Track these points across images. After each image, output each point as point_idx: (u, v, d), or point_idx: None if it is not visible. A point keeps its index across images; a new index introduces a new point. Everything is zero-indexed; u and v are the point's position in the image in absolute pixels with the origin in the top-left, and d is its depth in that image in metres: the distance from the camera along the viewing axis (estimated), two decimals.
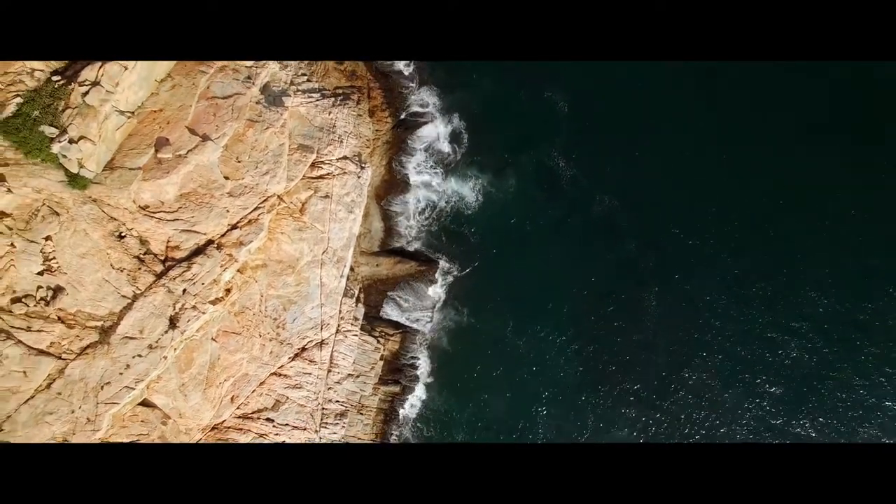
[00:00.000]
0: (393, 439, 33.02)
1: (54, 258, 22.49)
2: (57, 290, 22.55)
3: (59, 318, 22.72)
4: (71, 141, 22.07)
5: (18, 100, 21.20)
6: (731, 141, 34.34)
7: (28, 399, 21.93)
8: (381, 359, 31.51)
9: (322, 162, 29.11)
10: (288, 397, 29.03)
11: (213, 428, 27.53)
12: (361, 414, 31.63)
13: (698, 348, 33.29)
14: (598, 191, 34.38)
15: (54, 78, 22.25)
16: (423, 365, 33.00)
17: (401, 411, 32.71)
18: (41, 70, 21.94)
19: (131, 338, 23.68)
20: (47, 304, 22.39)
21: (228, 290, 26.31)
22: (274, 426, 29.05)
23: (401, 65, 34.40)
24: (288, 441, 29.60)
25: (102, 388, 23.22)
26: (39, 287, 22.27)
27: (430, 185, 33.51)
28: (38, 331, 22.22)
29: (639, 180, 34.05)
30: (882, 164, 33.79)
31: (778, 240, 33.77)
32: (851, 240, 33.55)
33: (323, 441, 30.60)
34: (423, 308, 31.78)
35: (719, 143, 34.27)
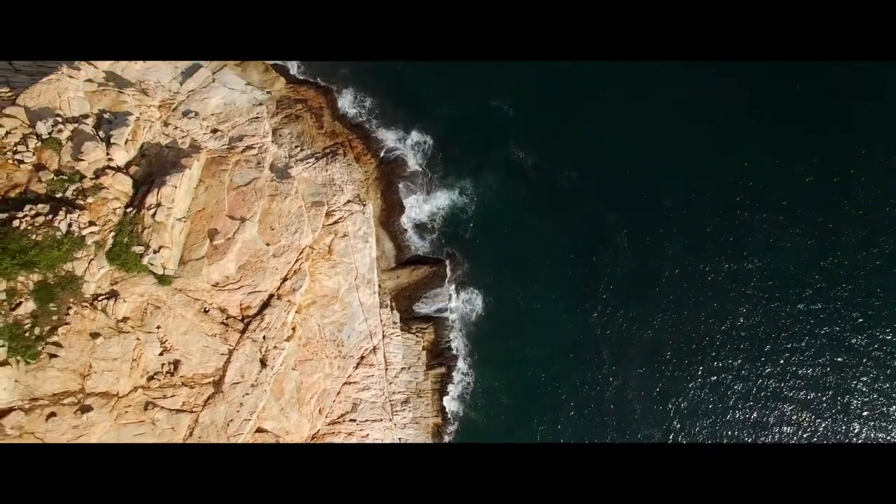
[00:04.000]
0: (450, 414, 40.04)
1: (167, 340, 29.74)
2: (176, 363, 29.81)
3: (183, 382, 29.97)
4: (154, 252, 29.33)
5: (112, 234, 28.47)
6: (662, 115, 42.11)
7: None
8: (423, 349, 38.68)
9: (333, 210, 36.40)
10: (361, 399, 36.25)
11: (313, 437, 34.76)
12: (421, 398, 38.74)
13: (661, 281, 40.71)
14: (558, 169, 41.75)
15: (128, 210, 29.51)
16: (458, 345, 40.07)
17: (451, 388, 39.79)
18: (118, 207, 29.21)
19: (237, 382, 30.93)
20: (172, 374, 29.63)
21: (294, 328, 33.53)
22: (357, 424, 36.25)
23: (366, 114, 41.65)
24: (372, 433, 36.76)
25: (228, 425, 30.44)
26: (163, 364, 29.51)
27: (420, 201, 40.70)
28: (172, 396, 29.47)
29: (587, 154, 41.49)
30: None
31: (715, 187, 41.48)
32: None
33: (396, 428, 37.75)
34: (444, 299, 39.05)
35: (651, 118, 41.97)
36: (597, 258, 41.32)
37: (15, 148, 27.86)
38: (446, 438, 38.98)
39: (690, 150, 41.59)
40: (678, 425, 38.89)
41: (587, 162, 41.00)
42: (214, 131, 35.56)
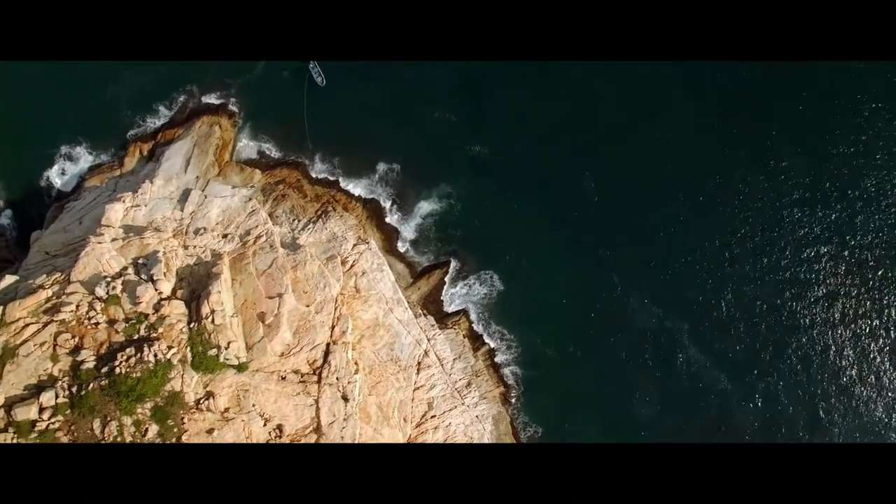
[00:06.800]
0: (509, 379, 45.40)
1: (264, 413, 35.53)
2: (279, 427, 35.63)
3: (291, 440, 35.80)
4: (225, 349, 35.14)
5: (188, 348, 34.31)
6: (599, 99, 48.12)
7: None
8: (464, 337, 44.49)
9: (346, 258, 42.26)
10: (433, 396, 42.06)
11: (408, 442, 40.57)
12: (479, 376, 44.52)
13: (631, 218, 46.72)
14: (514, 150, 47.75)
15: (191, 326, 35.32)
16: (492, 323, 45.75)
17: (501, 358, 45.40)
18: (183, 326, 35.03)
19: (332, 422, 36.74)
20: (279, 437, 35.44)
21: (357, 363, 39.34)
22: (437, 419, 42.05)
23: (336, 170, 47.33)
24: (452, 421, 42.41)
25: None
26: (270, 432, 35.32)
27: (409, 221, 46.48)
28: None
29: (534, 131, 47.49)
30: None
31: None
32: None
33: (470, 408, 43.41)
34: (464, 290, 44.88)
35: (591, 101, 48.08)
36: (576, 208, 47.36)
37: (88, 315, 33.69)
38: (514, 401, 44.60)
39: (623, 115, 47.97)
40: (684, 338, 45.17)
41: (536, 137, 47.10)
42: (225, 236, 41.38)
